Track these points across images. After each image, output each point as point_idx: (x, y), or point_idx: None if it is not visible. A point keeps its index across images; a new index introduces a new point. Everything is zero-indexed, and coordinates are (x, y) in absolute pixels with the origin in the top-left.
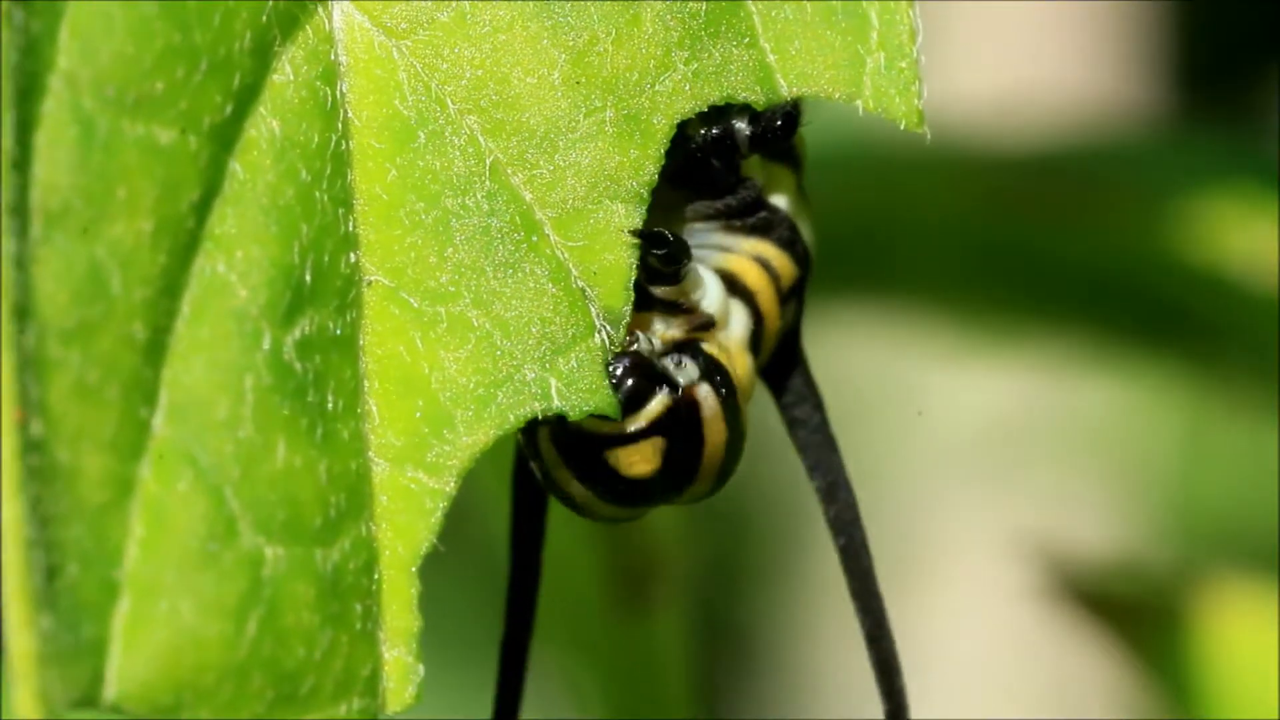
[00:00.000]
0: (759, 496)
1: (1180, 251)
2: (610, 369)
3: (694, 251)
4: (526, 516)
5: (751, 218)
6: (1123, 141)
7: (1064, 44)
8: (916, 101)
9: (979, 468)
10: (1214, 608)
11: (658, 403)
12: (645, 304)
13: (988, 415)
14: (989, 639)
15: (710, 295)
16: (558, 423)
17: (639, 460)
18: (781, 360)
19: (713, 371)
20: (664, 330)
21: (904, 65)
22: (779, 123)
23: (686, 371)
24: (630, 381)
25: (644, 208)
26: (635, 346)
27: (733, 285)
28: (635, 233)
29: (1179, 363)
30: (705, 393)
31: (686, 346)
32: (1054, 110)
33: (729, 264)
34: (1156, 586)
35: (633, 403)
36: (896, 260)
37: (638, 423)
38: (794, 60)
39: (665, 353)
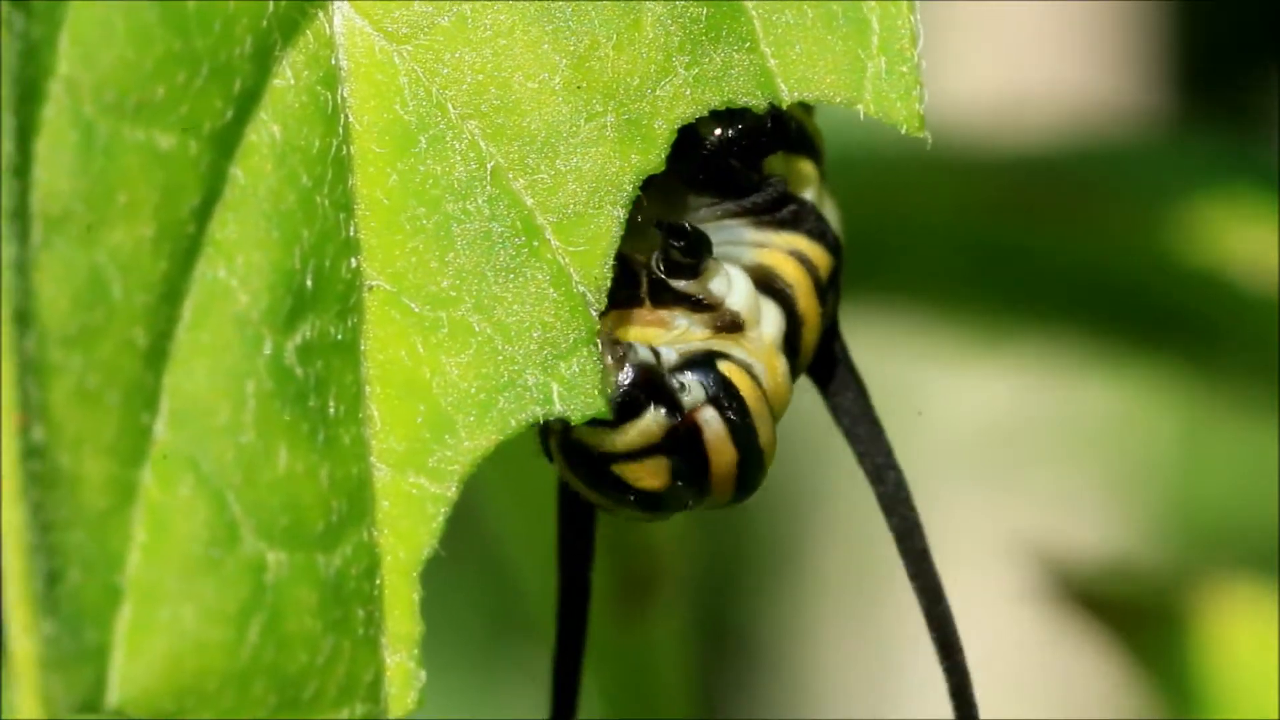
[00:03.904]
0: (759, 498)
1: (1178, 254)
2: (617, 379)
3: (726, 250)
4: (573, 530)
5: (780, 212)
6: (1122, 144)
7: (1063, 47)
8: (918, 106)
9: (978, 468)
10: (1212, 608)
11: (656, 424)
12: (668, 300)
13: (987, 416)
14: (988, 640)
15: (738, 293)
16: (563, 433)
17: (646, 476)
18: (822, 350)
19: (722, 392)
20: (686, 328)
21: (905, 70)
22: (768, 127)
23: (692, 393)
24: (625, 393)
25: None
26: (645, 359)
27: (768, 283)
28: (657, 224)
29: (1177, 364)
30: (709, 416)
31: (702, 362)
32: (1054, 113)
33: (764, 259)
34: (1154, 587)
35: (625, 413)
36: (896, 262)
37: (637, 441)
38: (795, 64)
39: (678, 368)
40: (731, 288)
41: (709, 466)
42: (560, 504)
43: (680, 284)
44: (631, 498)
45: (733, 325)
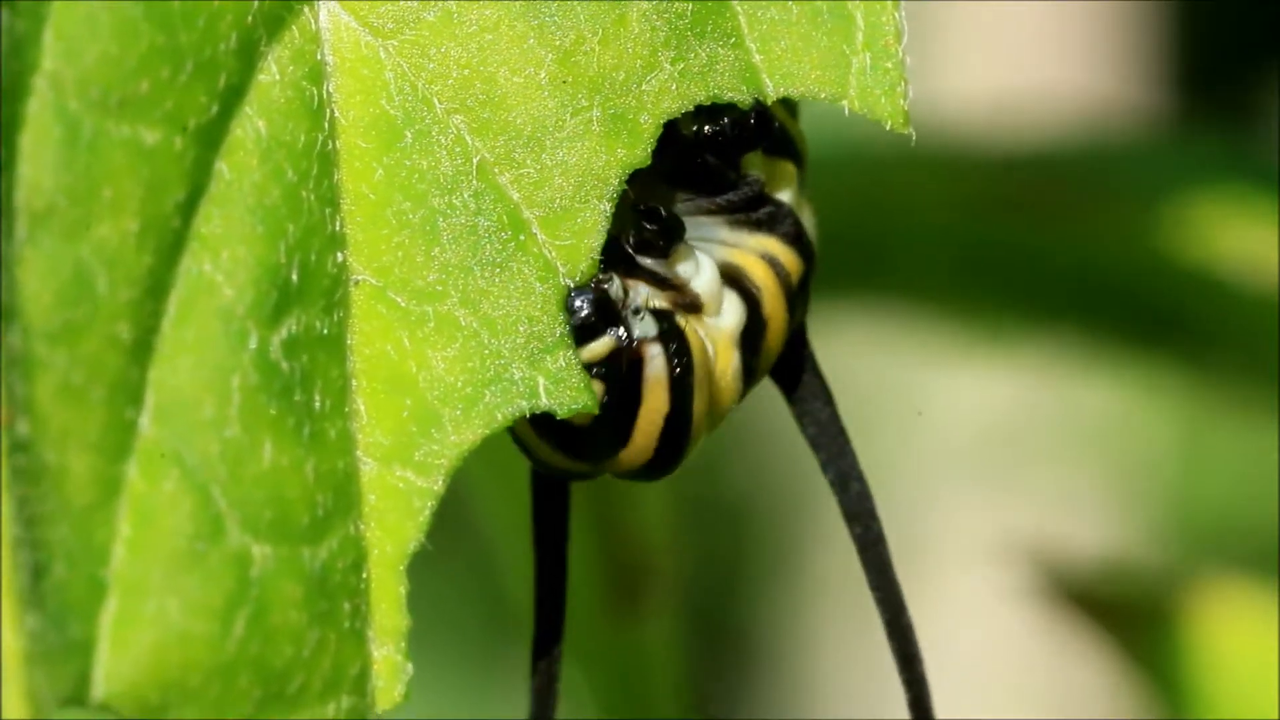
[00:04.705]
0: (755, 498)
1: (1177, 253)
2: (570, 297)
3: (698, 245)
4: (548, 518)
5: (756, 212)
6: (1121, 144)
7: (1062, 45)
8: (902, 102)
9: (976, 469)
10: (1210, 609)
11: (602, 344)
12: (636, 274)
13: (985, 416)
14: (986, 640)
15: (703, 278)
16: None
17: None
18: (789, 356)
19: (672, 339)
20: (648, 297)
21: (889, 66)
22: (752, 123)
23: (644, 325)
24: (584, 313)
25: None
26: (608, 288)
27: (736, 281)
28: (633, 206)
29: (1176, 364)
30: (654, 353)
31: (664, 313)
32: (1052, 111)
33: (734, 258)
34: (1152, 588)
35: (582, 335)
36: (893, 261)
37: (582, 357)
38: (780, 60)
39: (640, 309)
40: (698, 272)
41: (639, 407)
42: (533, 486)
43: (648, 262)
44: (555, 428)
45: (693, 306)
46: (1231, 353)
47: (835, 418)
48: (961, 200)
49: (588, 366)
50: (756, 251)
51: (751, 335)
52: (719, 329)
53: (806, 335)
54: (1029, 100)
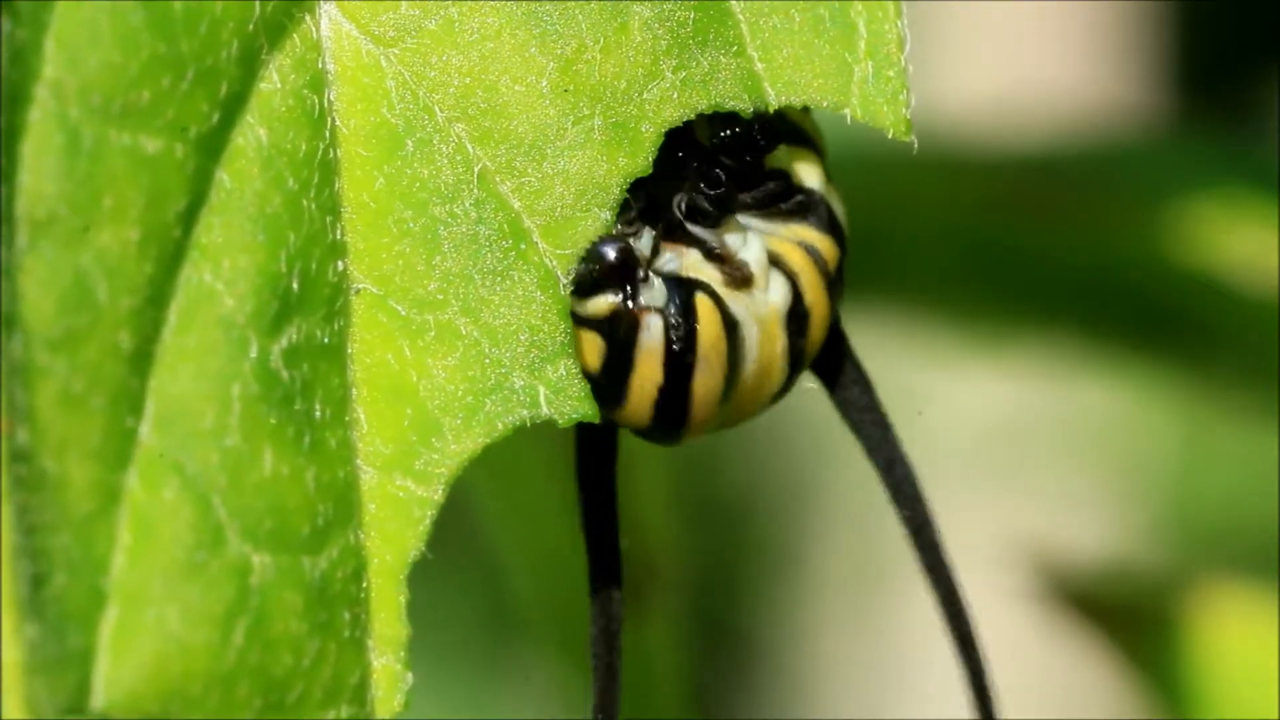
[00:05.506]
0: (755, 498)
1: (1178, 254)
2: (596, 241)
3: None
4: (596, 511)
5: (787, 203)
6: (1122, 144)
7: (1063, 46)
8: (904, 110)
9: (977, 470)
10: (1210, 611)
11: (603, 302)
12: (683, 240)
13: (985, 418)
14: (986, 641)
15: (751, 250)
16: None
17: (583, 349)
18: (826, 344)
19: (678, 313)
20: (698, 261)
21: (892, 74)
22: (757, 134)
23: (653, 293)
24: (606, 260)
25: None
26: (638, 247)
27: (778, 264)
28: (695, 165)
29: (1176, 365)
30: (653, 323)
31: (682, 282)
32: (1053, 112)
33: (772, 245)
34: (1152, 590)
35: (581, 283)
36: (894, 261)
37: (583, 308)
38: (781, 68)
39: (660, 271)
40: (747, 244)
41: (630, 374)
42: (579, 467)
43: (696, 230)
44: None
45: (742, 279)
46: (1232, 354)
47: (876, 403)
48: (962, 201)
49: (587, 319)
50: (793, 240)
51: (796, 318)
52: (767, 306)
53: (842, 323)
54: (1030, 101)
